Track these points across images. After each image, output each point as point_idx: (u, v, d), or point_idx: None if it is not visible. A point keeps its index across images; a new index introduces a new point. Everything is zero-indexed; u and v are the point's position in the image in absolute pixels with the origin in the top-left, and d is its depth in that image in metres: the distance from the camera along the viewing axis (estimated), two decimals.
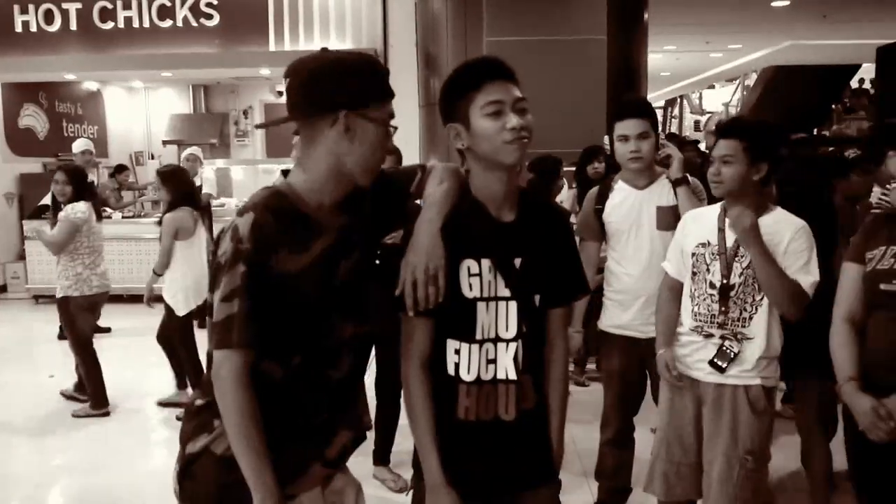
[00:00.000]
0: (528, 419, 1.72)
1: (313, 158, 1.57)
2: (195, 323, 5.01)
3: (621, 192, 3.02)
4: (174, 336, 4.88)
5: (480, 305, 1.66)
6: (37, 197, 8.46)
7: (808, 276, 2.34)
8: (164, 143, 11.60)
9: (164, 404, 5.00)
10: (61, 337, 6.19)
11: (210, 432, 1.58)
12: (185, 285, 4.75)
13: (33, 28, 8.30)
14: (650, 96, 5.84)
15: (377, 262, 1.74)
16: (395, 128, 1.63)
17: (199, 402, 1.63)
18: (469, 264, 1.65)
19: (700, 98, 20.73)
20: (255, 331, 1.48)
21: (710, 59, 14.42)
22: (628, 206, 2.99)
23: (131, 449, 4.42)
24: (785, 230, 2.40)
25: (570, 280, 1.79)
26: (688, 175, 2.97)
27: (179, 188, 4.84)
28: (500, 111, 1.61)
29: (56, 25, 8.29)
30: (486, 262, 1.66)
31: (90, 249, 4.81)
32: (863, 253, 2.19)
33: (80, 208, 4.76)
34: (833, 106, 14.02)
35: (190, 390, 4.85)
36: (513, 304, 1.67)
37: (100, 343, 5.11)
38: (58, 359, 6.03)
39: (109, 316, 5.96)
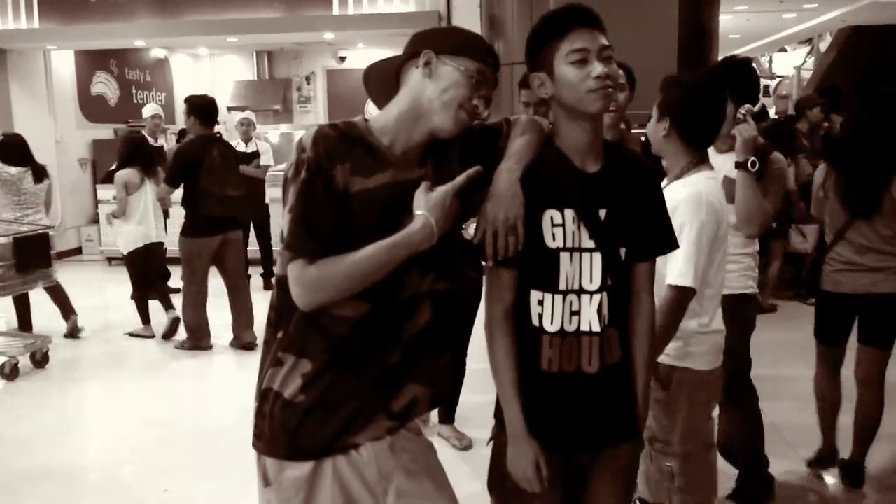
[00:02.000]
0: (613, 373, 1.70)
1: (396, 100, 1.61)
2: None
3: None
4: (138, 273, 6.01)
5: (564, 256, 1.64)
6: (109, 162, 8.71)
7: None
8: (229, 109, 11.76)
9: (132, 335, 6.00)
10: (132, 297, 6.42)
11: (280, 367, 1.58)
12: (129, 230, 5.88)
13: None
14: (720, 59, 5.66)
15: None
16: (489, 98, 1.60)
17: (276, 332, 1.62)
18: (552, 214, 1.64)
19: (770, 61, 20.01)
20: (318, 238, 1.48)
21: (782, 19, 13.84)
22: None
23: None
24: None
25: (656, 234, 1.76)
26: (754, 158, 2.74)
27: (128, 151, 5.97)
28: (585, 59, 1.59)
29: None
30: (569, 213, 1.64)
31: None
32: None
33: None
34: None
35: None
36: (597, 256, 1.65)
37: None
38: (132, 317, 6.22)
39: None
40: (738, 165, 2.73)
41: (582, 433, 1.72)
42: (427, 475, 1.69)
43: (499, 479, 1.76)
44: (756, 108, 2.84)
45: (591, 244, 1.65)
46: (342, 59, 12.15)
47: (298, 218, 1.49)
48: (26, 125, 9.00)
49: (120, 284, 7.49)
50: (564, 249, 1.64)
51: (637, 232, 1.70)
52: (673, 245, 1.79)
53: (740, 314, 2.83)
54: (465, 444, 3.64)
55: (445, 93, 1.55)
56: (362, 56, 12.02)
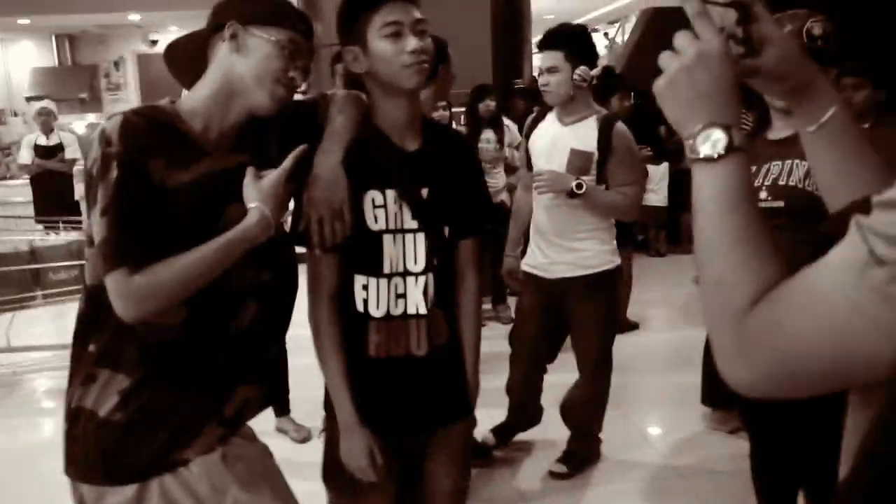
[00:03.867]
0: (441, 354, 1.68)
1: (204, 80, 1.48)
2: None
3: (548, 122, 2.95)
4: None
5: (387, 238, 1.60)
6: None
7: None
8: (28, 99, 10.79)
9: None
10: None
11: (93, 383, 1.43)
12: None
13: None
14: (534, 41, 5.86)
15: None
16: (306, 68, 1.49)
17: (87, 346, 1.46)
18: (373, 196, 1.59)
19: None
20: (141, 243, 1.35)
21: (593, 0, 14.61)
22: (547, 140, 2.92)
23: None
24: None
25: (478, 210, 1.75)
26: (577, 181, 2.75)
27: None
28: (398, 32, 1.54)
29: None
30: (391, 193, 1.60)
31: None
32: None
33: None
34: None
35: None
36: (421, 236, 1.62)
37: None
38: None
39: None
40: (571, 196, 2.75)
41: (414, 417, 1.70)
42: (264, 482, 1.58)
43: (332, 470, 1.72)
44: (594, 72, 2.85)
45: (413, 224, 1.61)
46: (153, 42, 11.45)
47: (115, 223, 1.33)
48: None
49: None
50: (387, 231, 1.60)
51: (459, 209, 1.68)
52: (492, 220, 1.80)
53: (608, 292, 2.97)
54: (303, 436, 3.55)
55: (257, 67, 1.44)
56: (172, 39, 11.41)
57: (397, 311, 1.63)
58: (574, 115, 2.86)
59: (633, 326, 5.06)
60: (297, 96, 1.57)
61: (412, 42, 1.54)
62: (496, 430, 3.33)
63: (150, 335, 1.41)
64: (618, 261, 2.97)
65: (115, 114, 1.40)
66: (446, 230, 1.67)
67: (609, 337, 3.07)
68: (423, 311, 1.64)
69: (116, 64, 11.52)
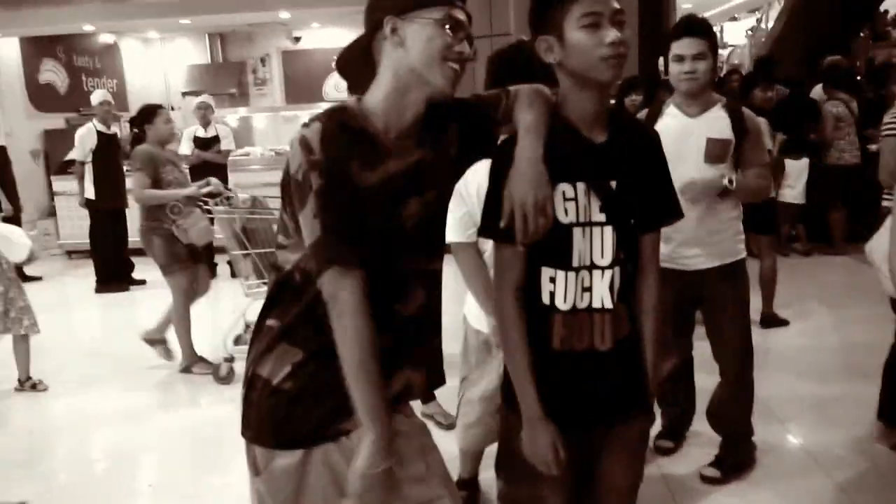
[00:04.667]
0: (624, 348, 1.67)
1: (378, 81, 1.51)
2: None
3: (671, 117, 2.90)
4: None
5: (577, 231, 1.59)
6: (62, 152, 8.49)
7: None
8: (184, 94, 11.53)
9: None
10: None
11: (270, 353, 1.54)
12: None
13: None
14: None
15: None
16: (469, 37, 1.47)
17: (269, 321, 1.57)
18: (564, 188, 1.58)
19: (721, 31, 20.22)
20: (350, 243, 1.42)
21: None
22: (676, 133, 2.82)
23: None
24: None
25: (662, 203, 1.71)
26: (730, 177, 2.79)
27: None
28: (597, 23, 1.50)
29: None
30: (581, 186, 1.58)
31: None
32: None
33: None
34: (861, 33, 13.59)
35: None
36: (608, 230, 1.60)
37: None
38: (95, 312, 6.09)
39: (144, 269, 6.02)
40: (724, 194, 2.80)
41: (597, 411, 1.69)
42: (420, 458, 1.64)
43: (508, 460, 1.75)
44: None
45: (601, 217, 1.59)
46: (297, 39, 11.96)
47: (326, 227, 1.42)
48: None
49: (83, 279, 7.36)
50: (577, 224, 1.58)
51: (644, 202, 1.66)
52: (678, 214, 1.75)
53: (744, 280, 2.93)
54: (449, 422, 3.63)
55: (423, 53, 1.45)
56: (317, 36, 11.84)
57: (583, 305, 1.61)
58: (700, 105, 2.84)
59: (783, 322, 4.88)
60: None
61: (611, 34, 1.50)
62: (665, 434, 3.32)
63: (328, 315, 1.47)
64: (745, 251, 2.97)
65: (313, 120, 1.46)
66: (632, 225, 1.64)
67: (748, 325, 3.01)
68: (608, 305, 1.61)
69: (262, 60, 12.10)
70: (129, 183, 5.84)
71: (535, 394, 1.63)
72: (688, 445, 3.32)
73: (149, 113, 4.69)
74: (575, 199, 1.59)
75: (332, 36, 11.75)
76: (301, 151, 1.43)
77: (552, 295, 1.62)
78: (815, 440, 3.42)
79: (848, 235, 6.65)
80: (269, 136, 9.57)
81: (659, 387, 3.14)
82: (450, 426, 3.59)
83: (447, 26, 1.44)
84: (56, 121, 9.83)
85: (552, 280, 1.62)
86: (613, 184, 1.61)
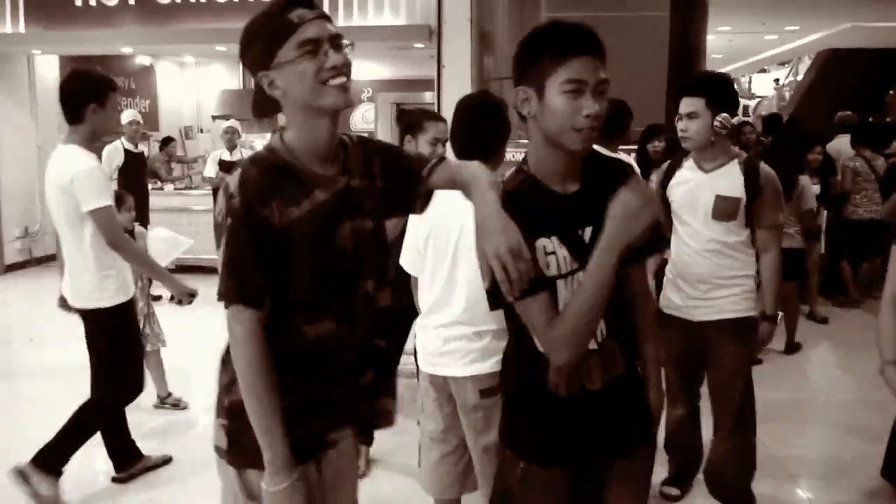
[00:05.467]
0: (619, 385, 1.68)
1: (287, 118, 1.61)
2: None
3: (688, 170, 2.94)
4: None
5: (560, 283, 1.60)
6: None
7: None
8: (214, 118, 11.71)
9: None
10: None
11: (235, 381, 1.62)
12: None
13: (92, 2, 8.40)
14: None
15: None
16: (335, 43, 1.53)
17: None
18: (544, 243, 1.60)
19: (749, 82, 20.28)
20: (247, 282, 1.53)
21: (764, 41, 14.09)
22: (687, 189, 2.90)
23: None
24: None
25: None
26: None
27: None
28: (579, 90, 1.51)
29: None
30: (555, 239, 1.60)
31: None
32: None
33: None
34: (892, 92, 13.57)
35: None
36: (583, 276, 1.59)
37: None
38: None
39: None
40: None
41: (595, 449, 1.71)
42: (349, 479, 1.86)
43: (502, 497, 1.78)
44: (734, 120, 2.86)
45: (575, 265, 1.60)
46: None
47: (228, 266, 1.54)
48: (9, 130, 8.92)
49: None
50: (560, 276, 1.60)
51: None
52: (659, 244, 1.77)
53: (748, 338, 2.90)
54: None
55: (302, 88, 1.52)
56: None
57: None
58: (715, 161, 2.85)
59: (797, 347, 5.20)
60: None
61: (591, 106, 1.51)
62: (671, 481, 3.28)
63: (308, 339, 1.63)
64: (755, 311, 2.93)
65: (239, 167, 1.58)
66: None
67: (749, 384, 2.97)
68: (592, 346, 1.62)
69: None
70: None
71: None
72: (693, 495, 3.28)
73: None
74: (554, 252, 1.60)
75: (363, 68, 11.94)
76: (223, 196, 1.54)
77: None
78: (826, 498, 3.37)
79: (865, 288, 6.74)
80: None
81: (666, 435, 3.15)
82: None
83: (307, 52, 1.51)
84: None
85: None
86: (588, 230, 1.60)
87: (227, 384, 1.65)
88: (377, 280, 1.71)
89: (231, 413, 1.64)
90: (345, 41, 1.57)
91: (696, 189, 2.86)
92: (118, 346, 3.36)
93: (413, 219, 2.43)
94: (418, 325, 2.53)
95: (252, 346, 1.55)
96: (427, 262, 2.41)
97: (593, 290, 1.52)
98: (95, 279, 3.25)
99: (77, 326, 3.40)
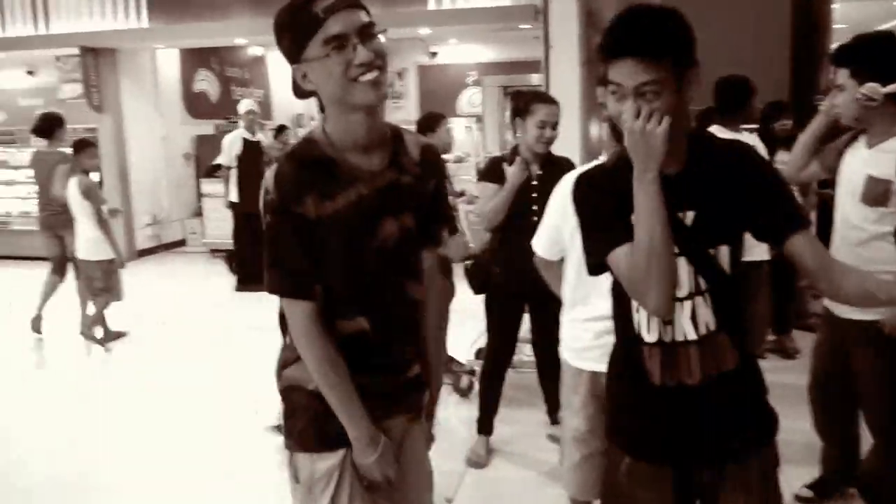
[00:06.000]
0: (728, 382, 1.58)
1: (326, 111, 1.60)
2: None
3: (858, 145, 2.64)
4: None
5: None
6: (211, 157, 9.02)
7: None
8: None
9: None
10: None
11: (300, 362, 1.65)
12: None
13: None
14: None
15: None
16: (365, 35, 1.49)
17: (288, 339, 1.70)
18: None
19: None
20: (293, 276, 1.56)
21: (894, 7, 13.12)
22: (852, 165, 2.61)
23: None
24: None
25: (774, 218, 1.54)
26: None
27: None
28: (615, 93, 1.47)
29: None
30: None
31: None
32: None
33: None
34: None
35: None
36: (682, 261, 1.53)
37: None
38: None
39: None
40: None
41: (698, 449, 1.62)
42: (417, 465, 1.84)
43: (609, 496, 1.77)
44: (887, 89, 2.45)
45: (675, 250, 1.51)
46: (434, 54, 12.20)
47: (273, 260, 1.57)
48: (135, 122, 9.43)
49: (221, 276, 7.80)
50: None
51: (741, 227, 1.56)
52: (799, 222, 1.54)
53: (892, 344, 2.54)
54: None
55: (334, 87, 1.50)
56: (454, 51, 12.04)
57: (667, 338, 1.57)
58: (876, 138, 2.55)
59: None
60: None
61: (622, 108, 1.47)
62: (814, 486, 3.05)
63: (341, 333, 1.63)
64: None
65: (277, 161, 1.59)
66: (723, 251, 1.54)
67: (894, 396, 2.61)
68: (691, 336, 1.55)
69: (400, 74, 12.42)
70: None
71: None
72: None
73: (433, 120, 4.67)
74: None
75: (468, 52, 11.91)
76: (262, 194, 1.56)
77: (639, 325, 1.60)
78: None
79: None
80: None
81: (818, 423, 2.92)
82: None
83: (333, 49, 1.47)
84: (206, 127, 10.45)
85: (637, 309, 1.59)
86: (690, 214, 1.53)
87: (279, 369, 1.72)
88: (418, 279, 1.72)
89: (283, 396, 1.71)
90: (377, 29, 1.51)
91: (854, 167, 2.60)
92: None
93: (558, 205, 2.40)
94: (565, 318, 2.48)
95: (314, 337, 1.58)
96: (573, 254, 2.34)
97: (644, 219, 1.47)
98: None
99: (203, 308, 3.54)
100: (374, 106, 1.54)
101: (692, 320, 1.55)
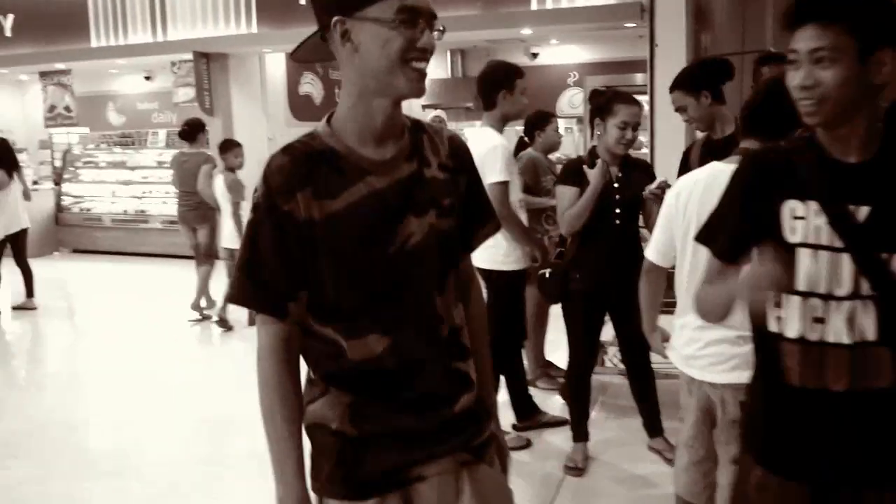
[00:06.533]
0: (877, 398, 1.43)
1: (343, 86, 1.41)
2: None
3: None
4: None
5: (804, 252, 1.43)
6: None
7: None
8: (424, 107, 12.08)
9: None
10: None
11: (323, 396, 1.46)
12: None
13: None
14: None
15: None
16: (430, 24, 1.35)
17: (313, 370, 1.52)
18: (793, 206, 1.45)
19: None
20: (264, 287, 1.37)
21: None
22: None
23: None
24: None
25: None
26: None
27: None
28: (791, 62, 1.41)
29: None
30: (812, 205, 1.43)
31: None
32: None
33: None
34: None
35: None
36: (845, 257, 1.40)
37: None
38: None
39: None
40: None
41: (830, 463, 1.47)
42: None
43: (738, 500, 1.66)
44: None
45: (838, 243, 1.41)
46: (534, 55, 12.09)
47: (244, 266, 1.39)
48: (243, 124, 9.77)
49: None
50: (805, 245, 1.43)
51: None
52: None
53: None
54: (671, 458, 3.46)
55: (381, 59, 1.32)
56: (554, 52, 11.91)
57: (814, 337, 1.44)
58: None
59: None
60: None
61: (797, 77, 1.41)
62: None
63: (353, 359, 1.41)
64: None
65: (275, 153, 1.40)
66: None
67: None
68: (845, 341, 1.41)
69: None
70: None
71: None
72: None
73: (542, 119, 4.72)
74: (805, 218, 1.43)
75: (568, 52, 11.75)
76: (255, 189, 1.41)
77: (779, 320, 1.47)
78: None
79: None
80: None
81: None
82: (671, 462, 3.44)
83: (404, 22, 1.31)
84: (311, 129, 10.70)
85: (778, 304, 1.47)
86: (864, 209, 1.40)
87: (305, 403, 1.49)
88: (447, 291, 1.47)
89: (308, 434, 1.49)
90: (439, 25, 1.38)
91: None
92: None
93: (671, 209, 2.33)
94: (677, 322, 2.42)
95: (270, 361, 1.40)
96: (686, 259, 2.28)
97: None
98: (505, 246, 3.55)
99: None
100: (410, 97, 1.39)
101: (848, 323, 1.42)
